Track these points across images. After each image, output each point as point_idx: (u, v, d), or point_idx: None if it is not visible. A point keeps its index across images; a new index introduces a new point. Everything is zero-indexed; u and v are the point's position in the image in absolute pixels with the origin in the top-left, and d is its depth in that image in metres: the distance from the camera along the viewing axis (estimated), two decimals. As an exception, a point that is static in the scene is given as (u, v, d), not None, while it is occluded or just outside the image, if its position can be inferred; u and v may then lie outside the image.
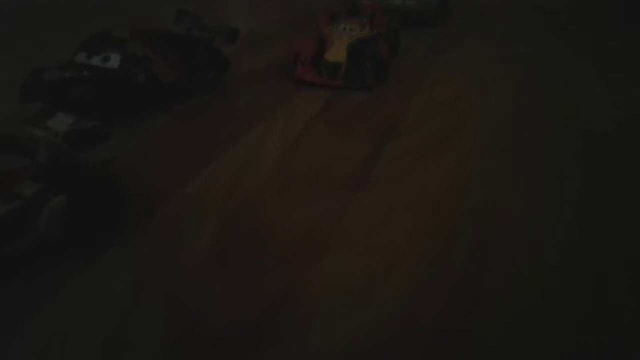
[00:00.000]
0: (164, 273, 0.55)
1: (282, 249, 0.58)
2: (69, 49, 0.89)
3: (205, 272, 0.55)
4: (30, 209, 0.54)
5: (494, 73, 1.12)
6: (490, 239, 0.61)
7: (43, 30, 1.33)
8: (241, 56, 1.13)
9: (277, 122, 0.88)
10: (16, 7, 1.51)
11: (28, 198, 0.54)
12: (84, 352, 0.46)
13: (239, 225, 0.62)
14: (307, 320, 0.49)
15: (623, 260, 0.58)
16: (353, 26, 1.05)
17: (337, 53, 1.00)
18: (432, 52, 1.24)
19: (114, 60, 0.85)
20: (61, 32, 1.27)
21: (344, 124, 0.89)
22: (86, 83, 0.82)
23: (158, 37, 0.94)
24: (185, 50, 0.95)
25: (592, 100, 0.98)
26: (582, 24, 1.50)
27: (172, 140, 0.82)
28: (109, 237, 0.58)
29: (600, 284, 0.54)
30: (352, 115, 0.92)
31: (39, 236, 0.54)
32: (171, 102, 0.91)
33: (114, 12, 1.44)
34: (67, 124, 0.59)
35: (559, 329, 0.49)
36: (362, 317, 0.50)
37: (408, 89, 1.02)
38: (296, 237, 0.60)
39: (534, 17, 1.58)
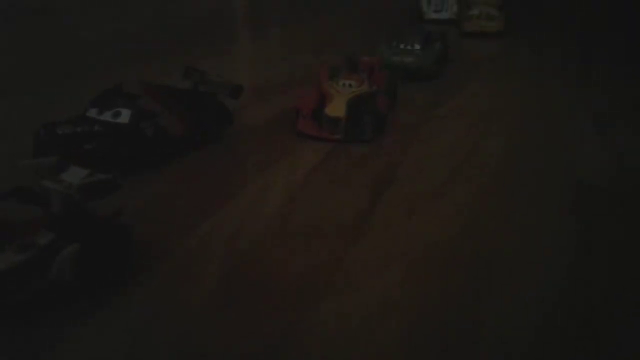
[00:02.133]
0: (170, 315, 0.57)
1: (283, 293, 0.61)
2: (79, 100, 0.93)
3: (210, 315, 0.57)
4: (44, 257, 0.56)
5: (490, 124, 1.16)
6: (482, 286, 0.63)
7: (55, 83, 1.38)
8: (244, 110, 1.17)
9: (278, 173, 0.92)
10: (27, 57, 1.58)
11: (42, 247, 0.57)
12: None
13: (241, 273, 0.65)
14: (308, 358, 0.51)
15: (614, 313, 0.59)
16: (352, 82, 1.10)
17: (337, 108, 1.04)
18: (430, 104, 1.29)
19: (125, 116, 0.89)
20: (72, 85, 1.32)
21: (343, 175, 0.92)
22: (98, 138, 0.86)
23: (167, 92, 0.98)
24: (192, 105, 0.99)
25: (587, 153, 1.01)
26: (580, 76, 1.55)
27: (177, 190, 0.85)
28: (117, 284, 0.61)
29: (592, 339, 0.56)
30: (351, 167, 0.95)
31: (51, 283, 0.56)
32: (178, 155, 0.95)
33: (124, 66, 1.50)
34: (80, 177, 0.62)
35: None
36: (359, 357, 0.52)
37: (405, 141, 1.06)
38: (296, 283, 0.63)
39: (530, 69, 1.63)
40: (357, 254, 0.69)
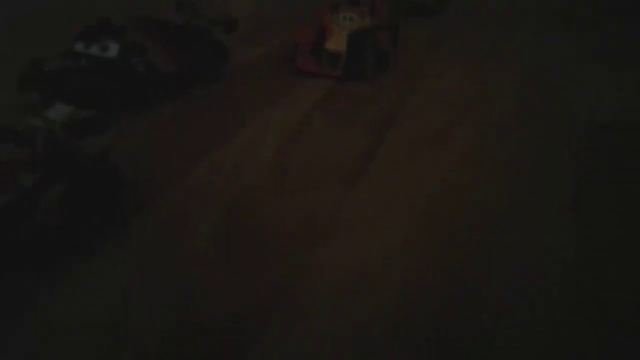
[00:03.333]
0: (164, 262, 0.55)
1: (281, 239, 0.59)
2: (68, 37, 0.89)
3: (205, 261, 0.55)
4: (30, 197, 0.54)
5: (495, 64, 1.12)
6: (487, 233, 0.61)
7: (42, 19, 1.32)
8: (240, 46, 1.12)
9: (276, 112, 0.88)
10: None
11: (27, 187, 0.54)
12: (83, 340, 0.46)
13: (239, 216, 0.62)
14: (306, 308, 0.50)
15: (621, 261, 0.57)
16: (353, 16, 1.05)
17: (337, 42, 1.00)
18: (433, 42, 1.24)
19: (113, 50, 0.84)
20: (61, 20, 1.27)
21: (343, 115, 0.88)
22: (84, 72, 0.82)
23: (157, 26, 0.93)
24: (184, 40, 0.94)
25: (595, 92, 0.98)
26: (587, 16, 1.49)
27: (171, 130, 0.82)
28: (109, 227, 0.58)
29: (598, 285, 0.54)
30: (352, 106, 0.92)
31: (38, 225, 0.54)
32: (170, 93, 0.91)
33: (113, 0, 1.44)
34: (65, 114, 0.58)
35: (556, 327, 0.49)
36: (361, 306, 0.50)
37: (407, 80, 1.02)
38: (294, 228, 0.60)
39: (536, 8, 1.57)
40: (356, 200, 0.66)
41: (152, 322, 0.48)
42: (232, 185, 0.68)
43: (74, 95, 0.77)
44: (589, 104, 0.93)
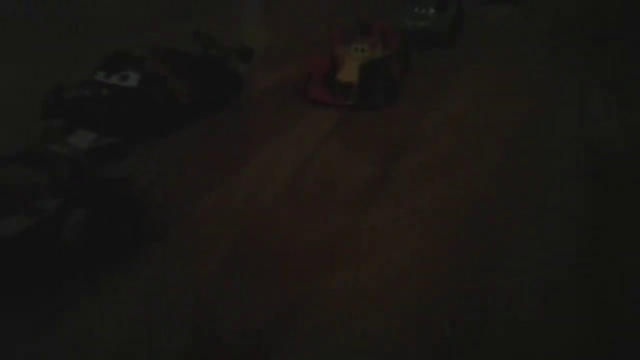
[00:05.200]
0: (180, 286, 0.56)
1: (296, 261, 0.60)
2: (88, 64, 0.92)
3: (220, 286, 0.57)
4: (53, 222, 0.55)
5: (505, 92, 1.14)
6: (497, 256, 0.62)
7: (64, 46, 1.36)
8: (255, 75, 1.15)
9: (289, 140, 0.90)
10: (36, 20, 1.56)
11: (50, 212, 0.56)
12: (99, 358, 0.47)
13: (253, 241, 0.64)
14: (319, 328, 0.51)
15: (623, 275, 0.58)
16: (365, 46, 1.07)
17: (349, 73, 1.02)
18: (443, 71, 1.26)
19: (133, 79, 0.87)
20: (81, 46, 1.30)
21: (355, 143, 0.90)
22: (105, 101, 0.85)
23: (175, 56, 0.96)
24: (202, 70, 0.97)
25: (602, 121, 0.99)
26: (596, 45, 1.51)
27: (187, 157, 0.84)
28: (127, 252, 0.60)
29: (599, 302, 0.55)
30: (363, 134, 0.93)
31: (60, 249, 0.56)
32: (187, 121, 0.93)
33: (132, 31, 1.48)
34: (87, 141, 0.61)
35: (561, 337, 0.50)
36: (374, 325, 0.51)
37: (418, 109, 1.04)
38: (309, 251, 0.62)
39: (547, 37, 1.59)
40: (370, 222, 0.67)
41: (165, 348, 0.49)
42: (246, 211, 0.70)
43: (95, 123, 0.79)
44: (596, 132, 0.94)
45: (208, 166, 0.81)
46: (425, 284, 0.57)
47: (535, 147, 0.89)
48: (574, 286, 0.57)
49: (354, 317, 0.52)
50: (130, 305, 0.53)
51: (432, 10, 1.43)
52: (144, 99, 0.87)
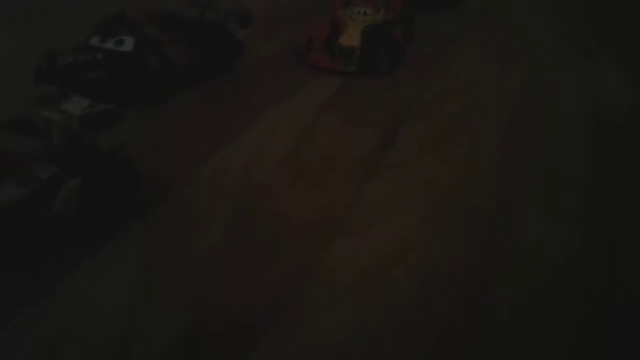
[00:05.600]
0: (177, 257, 0.55)
1: (295, 233, 0.59)
2: (83, 29, 0.89)
3: (218, 257, 0.55)
4: (46, 190, 0.54)
5: (510, 59, 1.11)
6: (501, 229, 0.61)
7: (57, 10, 1.33)
8: (254, 40, 1.12)
9: (290, 107, 0.88)
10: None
11: (43, 180, 0.54)
12: (94, 336, 0.46)
13: (252, 211, 0.62)
14: (320, 304, 0.50)
15: (635, 247, 0.57)
16: (368, 10, 1.04)
17: (351, 37, 1.00)
18: (447, 37, 1.23)
19: (128, 44, 0.85)
20: (76, 12, 1.27)
21: (357, 110, 0.88)
22: (100, 66, 0.82)
23: (172, 20, 0.93)
24: (199, 34, 0.94)
25: (609, 89, 0.97)
26: (604, 9, 1.47)
27: (184, 125, 0.82)
28: (122, 222, 0.59)
29: (611, 272, 0.54)
30: (366, 102, 0.91)
31: (54, 218, 0.54)
32: (184, 87, 0.91)
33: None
34: (81, 107, 0.59)
35: (568, 309, 0.49)
36: (376, 298, 0.50)
37: (422, 75, 1.02)
38: (308, 222, 0.60)
39: (554, 6, 1.55)
40: (371, 194, 0.66)
41: (163, 320, 0.48)
42: (245, 181, 0.68)
43: (89, 88, 0.77)
44: (598, 104, 0.92)
45: (204, 135, 0.79)
46: (426, 259, 0.55)
47: (540, 115, 0.87)
48: (580, 262, 0.56)
49: (352, 296, 0.51)
50: (122, 283, 0.52)
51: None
52: (139, 64, 0.85)
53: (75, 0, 1.41)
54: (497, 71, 1.05)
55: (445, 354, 0.45)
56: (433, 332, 0.47)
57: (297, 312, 0.49)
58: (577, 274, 0.54)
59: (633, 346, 0.46)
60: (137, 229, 0.58)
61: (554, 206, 0.65)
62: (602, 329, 0.48)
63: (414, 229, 0.60)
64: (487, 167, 0.72)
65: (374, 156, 0.74)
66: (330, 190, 0.66)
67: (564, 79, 1.02)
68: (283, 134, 0.80)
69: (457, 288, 0.52)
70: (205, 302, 0.50)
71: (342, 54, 1.00)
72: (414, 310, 0.49)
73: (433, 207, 0.64)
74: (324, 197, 0.65)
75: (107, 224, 0.58)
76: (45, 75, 0.82)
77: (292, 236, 0.58)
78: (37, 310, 0.48)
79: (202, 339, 0.46)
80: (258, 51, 1.10)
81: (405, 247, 0.57)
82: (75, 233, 0.56)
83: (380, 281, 0.52)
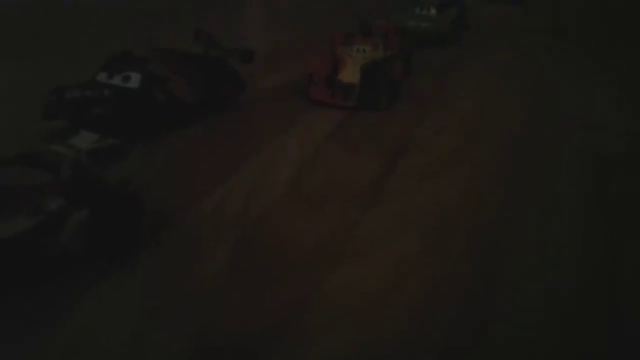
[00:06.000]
0: (179, 285, 0.56)
1: (296, 261, 0.60)
2: (89, 65, 0.92)
3: (221, 283, 0.56)
4: (54, 222, 0.55)
5: (507, 92, 1.14)
6: (499, 252, 0.62)
7: (66, 47, 1.36)
8: (256, 76, 1.15)
9: (291, 140, 0.90)
10: (39, 21, 1.56)
11: (52, 212, 0.56)
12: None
13: (255, 239, 0.64)
14: (321, 328, 0.51)
15: (632, 273, 0.58)
16: (367, 47, 1.07)
17: (350, 74, 1.02)
18: (445, 71, 1.26)
19: (135, 80, 0.87)
20: (82, 49, 1.31)
21: (356, 143, 0.90)
22: (107, 102, 0.85)
23: (177, 56, 0.96)
24: (203, 70, 0.97)
25: (605, 123, 0.99)
26: (597, 46, 1.51)
27: (189, 158, 0.84)
28: (128, 252, 0.60)
29: (609, 298, 0.55)
30: (365, 134, 0.93)
31: (61, 249, 0.56)
32: (189, 121, 0.93)
33: (134, 30, 1.48)
34: (89, 142, 0.61)
35: (567, 331, 0.50)
36: (376, 322, 0.51)
37: (420, 109, 1.04)
38: (310, 250, 0.62)
39: (548, 37, 1.59)
40: (371, 221, 0.67)
41: (166, 347, 0.49)
42: (248, 209, 0.70)
43: (96, 123, 0.79)
44: (597, 135, 0.94)
45: (208, 167, 0.81)
46: (425, 283, 0.56)
47: (539, 146, 0.89)
48: (579, 278, 0.57)
49: (353, 319, 0.52)
50: (128, 310, 0.53)
51: (433, 11, 1.43)
52: (146, 100, 0.87)
53: (83, 37, 1.45)
54: (495, 102, 1.07)
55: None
56: (433, 351, 0.48)
57: (298, 336, 0.50)
58: (576, 292, 0.55)
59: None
60: (141, 259, 0.60)
61: (552, 227, 0.66)
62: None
63: (414, 253, 0.61)
64: (486, 192, 0.74)
65: (372, 187, 0.76)
66: (330, 218, 0.68)
67: (563, 108, 1.04)
68: (284, 166, 0.81)
69: (456, 310, 0.53)
70: (208, 328, 0.51)
71: (342, 89, 1.02)
72: (414, 333, 0.50)
73: (433, 231, 0.65)
74: (325, 226, 0.66)
75: (112, 254, 0.59)
76: (53, 110, 0.84)
77: (293, 262, 0.60)
78: (43, 338, 0.49)
79: (209, 356, 0.47)
80: (260, 85, 1.13)
81: (405, 271, 0.58)
82: (81, 264, 0.57)
83: (380, 305, 0.53)
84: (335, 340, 0.49)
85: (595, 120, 0.99)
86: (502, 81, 1.20)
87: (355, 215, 0.69)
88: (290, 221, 0.67)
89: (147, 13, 1.71)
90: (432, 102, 1.08)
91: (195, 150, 0.86)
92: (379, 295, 0.55)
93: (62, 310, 0.52)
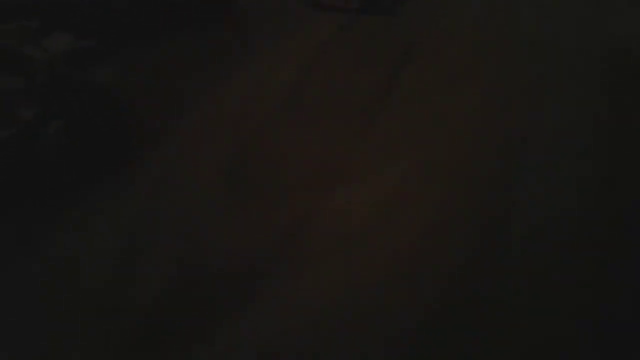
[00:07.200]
0: (172, 202, 0.53)
1: (295, 179, 0.57)
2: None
3: (215, 204, 0.53)
4: (28, 132, 0.51)
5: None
6: (509, 174, 0.58)
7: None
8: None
9: (291, 46, 0.84)
10: None
11: (27, 121, 0.52)
12: (88, 283, 0.45)
13: (251, 154, 0.60)
14: (321, 250, 0.48)
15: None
16: (373, -58, 0.99)
17: (354, -28, 0.95)
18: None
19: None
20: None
21: (358, 50, 0.85)
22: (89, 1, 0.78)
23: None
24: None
25: (623, 21, 0.93)
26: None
27: (180, 62, 0.78)
28: (112, 167, 0.56)
29: (618, 215, 0.52)
30: (368, 41, 0.87)
31: (38, 162, 0.52)
32: (181, 22, 0.87)
33: None
34: (63, 44, 0.56)
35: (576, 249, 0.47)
36: (378, 247, 0.49)
37: (427, 13, 0.98)
38: (309, 167, 0.58)
39: None
40: (374, 136, 0.63)
41: (160, 263, 0.47)
42: (244, 121, 0.66)
43: (76, 24, 0.73)
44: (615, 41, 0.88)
45: (203, 72, 0.75)
46: (430, 203, 0.53)
47: (553, 54, 0.84)
48: (592, 210, 0.54)
49: (351, 245, 0.49)
50: (116, 230, 0.50)
51: None
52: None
53: None
54: (505, 11, 1.00)
55: (459, 291, 0.44)
56: (443, 269, 0.46)
57: (296, 261, 0.47)
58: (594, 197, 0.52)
59: None
60: (129, 174, 0.56)
61: (565, 147, 0.62)
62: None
63: (416, 176, 0.57)
64: (493, 113, 0.69)
65: (375, 98, 0.71)
66: (331, 133, 0.64)
67: (579, 15, 0.98)
68: (284, 73, 0.76)
69: (469, 232, 0.50)
70: (203, 247, 0.48)
71: (345, -11, 0.96)
72: (418, 257, 0.48)
73: (438, 148, 0.61)
74: (325, 140, 0.63)
75: (96, 168, 0.55)
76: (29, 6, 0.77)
77: (292, 182, 0.56)
78: (27, 256, 0.47)
79: (200, 281, 0.45)
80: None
81: (407, 193, 0.55)
82: (63, 176, 0.54)
83: (382, 228, 0.51)
84: (336, 261, 0.47)
85: (612, 28, 0.93)
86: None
87: (357, 128, 0.64)
88: (288, 135, 0.63)
89: None
90: (440, 6, 1.01)
91: (187, 55, 0.81)
92: (382, 214, 0.52)
93: (41, 234, 0.49)
